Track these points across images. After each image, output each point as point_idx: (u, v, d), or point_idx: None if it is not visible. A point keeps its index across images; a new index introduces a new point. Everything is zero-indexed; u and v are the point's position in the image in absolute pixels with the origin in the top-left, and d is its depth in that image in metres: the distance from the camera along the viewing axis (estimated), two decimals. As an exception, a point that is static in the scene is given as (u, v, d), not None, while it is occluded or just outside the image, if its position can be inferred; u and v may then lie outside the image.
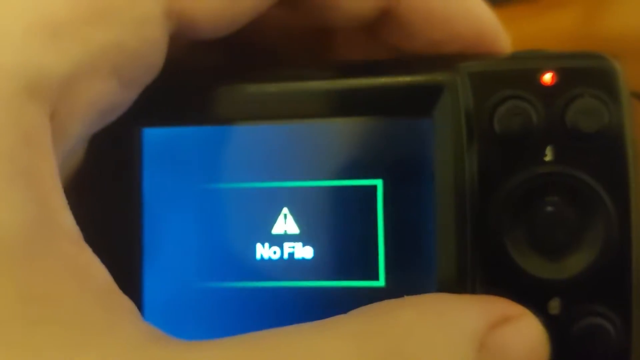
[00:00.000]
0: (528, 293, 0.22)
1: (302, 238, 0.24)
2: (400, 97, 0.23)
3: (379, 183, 0.24)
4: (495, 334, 0.19)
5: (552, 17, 0.39)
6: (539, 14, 0.40)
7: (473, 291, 0.23)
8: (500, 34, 0.25)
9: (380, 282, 0.23)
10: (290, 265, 0.24)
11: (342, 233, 0.24)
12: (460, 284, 0.23)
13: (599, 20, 0.37)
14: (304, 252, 0.24)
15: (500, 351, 0.19)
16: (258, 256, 0.24)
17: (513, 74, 0.23)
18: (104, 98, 0.20)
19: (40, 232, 0.17)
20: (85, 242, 0.18)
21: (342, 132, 0.24)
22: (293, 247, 0.24)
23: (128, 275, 0.23)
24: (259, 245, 0.24)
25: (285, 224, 0.24)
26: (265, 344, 0.17)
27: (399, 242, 0.23)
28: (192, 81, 0.24)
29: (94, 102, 0.19)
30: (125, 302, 0.18)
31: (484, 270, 0.23)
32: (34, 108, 0.18)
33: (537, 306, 0.22)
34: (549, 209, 0.23)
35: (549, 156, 0.23)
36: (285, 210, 0.24)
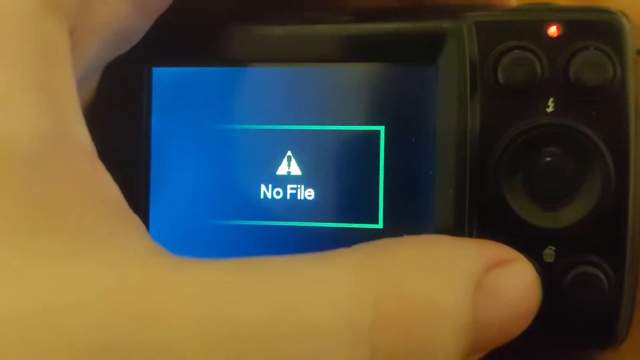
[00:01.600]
0: (524, 241, 0.23)
1: (305, 180, 0.24)
2: (406, 44, 0.24)
3: (381, 129, 0.24)
4: (491, 276, 0.20)
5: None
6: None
7: (470, 237, 0.23)
8: None
9: (379, 225, 0.24)
10: (293, 206, 0.24)
11: (344, 176, 0.24)
12: (457, 230, 0.23)
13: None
14: (307, 193, 0.24)
15: (495, 292, 0.20)
16: (262, 196, 0.24)
17: (519, 24, 0.23)
18: (119, 20, 0.20)
19: (54, 143, 0.17)
20: (98, 158, 0.19)
21: (347, 77, 0.24)
22: (295, 189, 0.24)
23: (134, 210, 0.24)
24: (262, 186, 0.24)
25: (289, 166, 0.24)
26: (263, 267, 0.17)
27: (398, 187, 0.24)
28: (201, 22, 0.25)
29: (110, 23, 0.20)
30: (133, 219, 0.18)
31: (481, 217, 0.23)
32: (53, 22, 0.18)
33: (532, 254, 0.23)
34: (548, 159, 0.23)
35: (550, 107, 0.23)
36: (289, 152, 0.24)
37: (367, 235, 0.23)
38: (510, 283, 0.20)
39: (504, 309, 0.20)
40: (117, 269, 0.16)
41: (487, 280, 0.20)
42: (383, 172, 0.24)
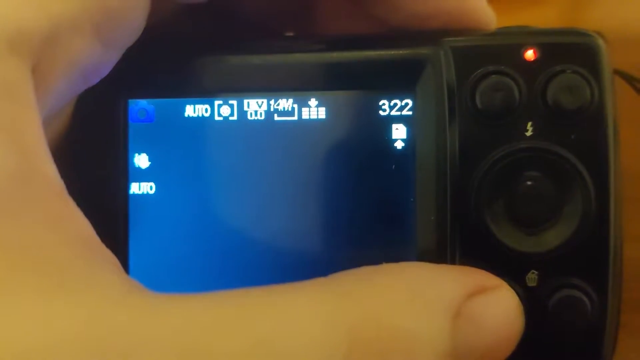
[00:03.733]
0: (506, 266, 0.23)
1: (285, 208, 0.24)
2: (383, 72, 0.24)
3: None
4: (472, 303, 0.20)
5: (537, 10, 0.40)
6: (523, 7, 0.40)
7: (452, 263, 0.23)
8: (485, 11, 0.25)
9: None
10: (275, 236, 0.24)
11: (323, 203, 0.24)
12: (439, 256, 0.23)
13: (583, 13, 0.37)
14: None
15: (475, 320, 0.19)
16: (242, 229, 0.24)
17: (496, 49, 0.23)
18: (85, 56, 0.20)
19: (22, 182, 0.17)
20: (68, 195, 0.18)
21: (326, 105, 0.24)
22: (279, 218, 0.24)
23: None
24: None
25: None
26: (240, 300, 0.17)
27: (379, 214, 0.24)
28: (176, 53, 0.25)
29: (75, 60, 0.20)
30: (107, 255, 0.18)
31: (463, 243, 0.23)
32: (15, 61, 0.18)
33: (515, 278, 0.23)
34: (529, 183, 0.23)
35: (529, 131, 0.23)
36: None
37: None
38: (492, 310, 0.20)
39: (485, 336, 0.20)
40: (92, 307, 0.16)
41: (468, 307, 0.19)
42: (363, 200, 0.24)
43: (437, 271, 0.21)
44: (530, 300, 0.22)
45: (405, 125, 0.24)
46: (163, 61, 0.24)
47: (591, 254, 0.23)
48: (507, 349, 0.20)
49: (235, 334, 0.16)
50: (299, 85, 0.24)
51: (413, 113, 0.23)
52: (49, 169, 0.18)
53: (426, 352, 0.18)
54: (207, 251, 0.24)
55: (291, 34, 0.27)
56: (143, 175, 0.25)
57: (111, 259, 0.18)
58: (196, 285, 0.24)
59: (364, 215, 0.24)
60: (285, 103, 0.24)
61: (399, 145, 0.24)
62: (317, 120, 0.24)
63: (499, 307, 0.20)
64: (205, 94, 0.24)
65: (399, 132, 0.24)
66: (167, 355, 0.16)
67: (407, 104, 0.24)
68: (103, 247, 0.18)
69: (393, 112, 0.24)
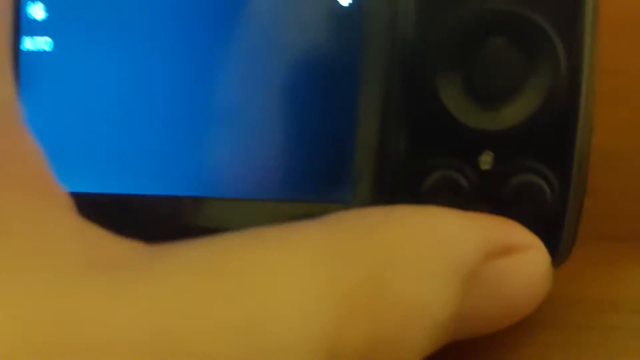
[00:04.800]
0: (458, 144, 0.20)
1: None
2: None
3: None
4: (492, 266, 0.17)
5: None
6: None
7: (398, 139, 0.20)
8: None
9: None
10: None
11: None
12: (382, 131, 0.20)
13: None
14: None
15: (492, 284, 0.17)
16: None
17: None
18: None
19: None
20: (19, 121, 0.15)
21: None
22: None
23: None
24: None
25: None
26: (214, 271, 0.15)
27: (317, 80, 0.20)
28: None
29: None
30: (59, 198, 0.15)
31: (411, 117, 0.20)
32: None
33: (468, 160, 0.20)
34: (490, 51, 0.20)
35: (496, -11, 0.20)
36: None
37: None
38: (514, 277, 0.18)
39: (500, 303, 0.18)
40: (34, 300, 0.13)
41: (487, 270, 0.17)
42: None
43: (456, 223, 0.18)
44: (483, 185, 0.20)
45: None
46: None
47: (555, 135, 0.20)
48: (522, 315, 0.18)
49: (208, 319, 0.14)
50: None
51: None
52: None
53: (424, 321, 0.16)
54: (113, 118, 0.21)
55: None
56: (38, 29, 0.21)
57: (64, 202, 0.15)
58: (100, 157, 0.21)
59: (298, 78, 0.20)
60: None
61: (345, 2, 0.20)
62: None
63: (524, 274, 0.18)
64: None
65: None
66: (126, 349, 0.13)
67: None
68: (54, 184, 0.15)
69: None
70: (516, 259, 0.18)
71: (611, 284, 0.26)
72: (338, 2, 0.20)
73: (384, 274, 0.16)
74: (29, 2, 0.21)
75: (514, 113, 0.20)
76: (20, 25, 0.21)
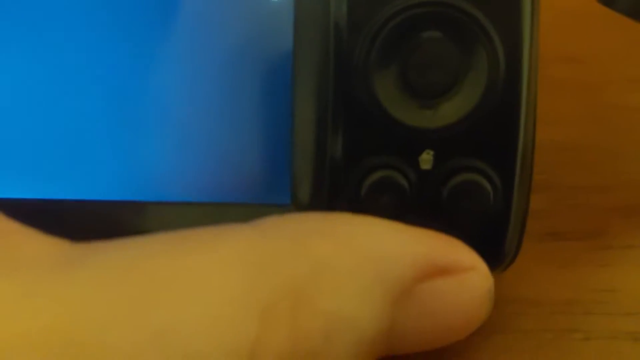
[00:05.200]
0: (397, 144, 0.19)
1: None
2: None
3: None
4: (429, 285, 0.16)
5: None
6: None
7: (334, 139, 0.19)
8: None
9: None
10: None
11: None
12: (318, 130, 0.19)
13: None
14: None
15: (426, 305, 0.16)
16: None
17: None
18: None
19: None
20: None
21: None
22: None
23: None
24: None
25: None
26: (138, 275, 0.14)
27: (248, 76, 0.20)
28: None
29: None
30: None
31: (347, 116, 0.19)
32: None
33: (407, 160, 0.19)
34: (427, 45, 0.19)
35: (431, -18, 0.19)
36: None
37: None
38: (451, 299, 0.17)
39: (435, 324, 0.17)
40: None
41: (422, 290, 0.16)
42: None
43: (392, 238, 0.17)
44: (423, 185, 0.19)
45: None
46: None
47: (497, 132, 0.19)
48: (459, 337, 0.17)
49: (127, 327, 0.14)
50: None
51: None
52: None
53: (348, 336, 0.15)
54: (40, 121, 0.20)
55: None
56: None
57: None
58: (25, 162, 0.20)
59: (230, 78, 0.20)
60: None
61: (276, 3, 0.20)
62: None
63: (461, 296, 0.17)
64: None
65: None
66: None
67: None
68: None
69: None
70: (454, 280, 0.17)
71: (565, 285, 0.25)
72: (269, -3, 0.20)
73: (308, 285, 0.15)
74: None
75: (452, 110, 0.19)
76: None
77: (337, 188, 0.19)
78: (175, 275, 0.14)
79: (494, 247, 0.19)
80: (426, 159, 0.19)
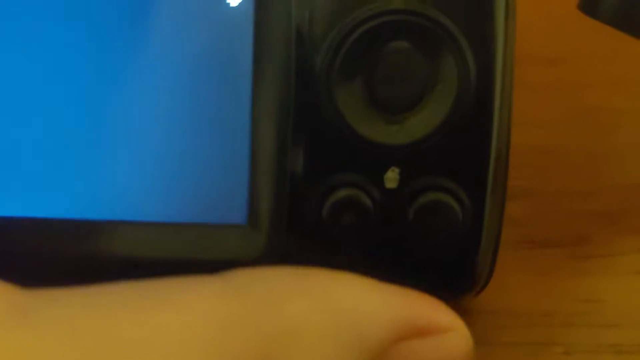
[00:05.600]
0: (361, 161, 0.18)
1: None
2: None
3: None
4: (406, 346, 0.16)
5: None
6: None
7: (295, 157, 0.18)
8: None
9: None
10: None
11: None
12: (278, 146, 0.18)
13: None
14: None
15: None
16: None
17: None
18: None
19: None
20: None
21: None
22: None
23: None
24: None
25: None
26: (95, 318, 0.14)
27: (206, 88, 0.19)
28: None
29: None
30: None
31: (309, 132, 0.18)
32: None
33: (371, 178, 0.18)
34: (393, 56, 0.18)
35: (399, -11, 0.18)
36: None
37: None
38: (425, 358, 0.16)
39: None
40: None
41: (398, 351, 0.15)
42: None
43: (365, 297, 0.16)
44: (389, 205, 0.18)
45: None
46: None
47: (467, 149, 0.18)
48: None
49: None
50: None
51: None
52: None
53: None
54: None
55: None
56: None
57: None
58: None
59: (187, 91, 0.19)
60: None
61: (234, 1, 0.18)
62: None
63: (438, 357, 0.16)
64: None
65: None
66: None
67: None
68: None
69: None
70: (432, 341, 0.16)
71: (544, 295, 0.25)
72: (228, 3, 0.18)
73: (280, 346, 0.14)
74: None
75: (420, 125, 0.18)
76: None
77: (297, 207, 0.18)
78: (136, 332, 0.14)
79: (465, 271, 0.18)
80: (391, 177, 0.18)
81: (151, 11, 0.19)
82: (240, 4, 0.18)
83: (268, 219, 0.18)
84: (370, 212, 0.18)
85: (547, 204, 0.26)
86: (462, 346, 0.16)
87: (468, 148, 0.18)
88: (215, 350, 0.14)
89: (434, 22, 0.18)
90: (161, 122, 0.19)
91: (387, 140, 0.18)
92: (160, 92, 0.19)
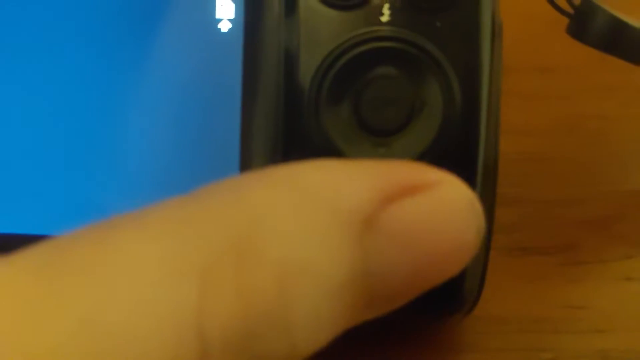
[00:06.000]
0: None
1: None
2: None
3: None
4: (396, 209, 0.14)
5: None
6: None
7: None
8: None
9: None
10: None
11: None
12: (267, 162, 0.19)
13: None
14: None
15: (399, 231, 0.14)
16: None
17: None
18: None
19: None
20: None
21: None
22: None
23: None
24: None
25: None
26: (62, 262, 0.13)
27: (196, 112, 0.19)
28: None
29: None
30: None
31: (296, 152, 0.18)
32: None
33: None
34: (381, 82, 0.18)
35: (386, 16, 0.18)
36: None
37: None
38: (424, 219, 0.14)
39: (414, 253, 0.14)
40: None
41: (388, 216, 0.14)
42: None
43: (337, 170, 0.14)
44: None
45: (234, 1, 0.19)
46: None
47: (453, 170, 0.18)
48: (454, 263, 0.15)
49: (49, 320, 0.12)
50: None
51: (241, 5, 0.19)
52: None
53: (308, 280, 0.13)
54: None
55: None
56: None
57: None
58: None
59: (177, 112, 0.19)
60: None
61: (224, 27, 0.19)
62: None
63: (436, 212, 0.14)
64: None
65: (224, 10, 0.19)
66: None
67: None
68: None
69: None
70: (423, 197, 0.14)
71: (534, 302, 0.25)
72: (219, 28, 0.19)
73: (251, 235, 0.13)
74: None
75: (406, 148, 0.18)
76: None
77: None
78: (99, 257, 0.13)
79: (452, 292, 0.19)
80: (379, 199, 0.18)
81: (143, 36, 0.19)
82: (230, 29, 0.19)
83: None
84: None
85: (537, 211, 0.27)
86: (460, 195, 0.15)
87: (454, 171, 0.18)
88: (183, 251, 0.13)
89: (419, 49, 0.18)
90: (151, 143, 0.19)
91: (374, 163, 0.18)
92: (151, 113, 0.19)
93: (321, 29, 0.18)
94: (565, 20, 0.22)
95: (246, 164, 0.19)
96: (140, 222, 0.13)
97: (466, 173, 0.18)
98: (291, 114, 0.18)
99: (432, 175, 0.14)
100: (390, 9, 0.18)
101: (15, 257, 0.13)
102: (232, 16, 0.19)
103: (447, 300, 0.19)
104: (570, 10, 0.22)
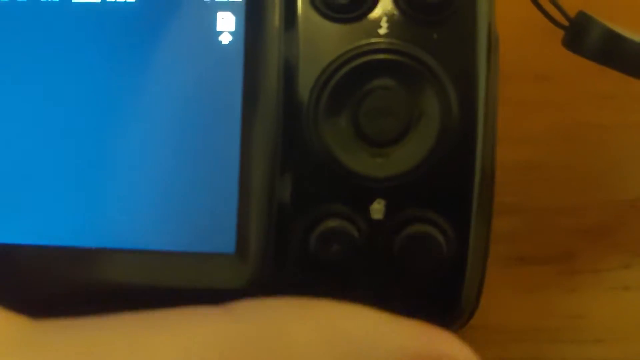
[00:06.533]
0: (348, 193, 0.18)
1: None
2: None
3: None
4: None
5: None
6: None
7: (283, 188, 0.19)
8: None
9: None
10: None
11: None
12: (265, 178, 0.19)
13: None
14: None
15: None
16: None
17: None
18: None
19: None
20: None
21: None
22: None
23: None
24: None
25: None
26: (104, 340, 0.13)
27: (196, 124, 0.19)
28: None
29: None
30: None
31: (296, 164, 0.19)
32: None
33: (358, 209, 0.19)
34: (378, 93, 0.18)
35: (383, 28, 0.18)
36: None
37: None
38: None
39: None
40: None
41: None
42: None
43: (371, 325, 0.15)
44: (374, 236, 0.18)
45: (235, 14, 0.19)
46: None
47: (451, 181, 0.19)
48: None
49: None
50: None
51: (242, 17, 0.19)
52: None
53: None
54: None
55: None
56: None
57: None
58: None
59: (178, 123, 0.19)
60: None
61: (225, 39, 0.19)
62: (126, 4, 0.19)
63: None
64: None
65: (225, 23, 0.19)
66: None
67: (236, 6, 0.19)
68: None
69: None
70: None
71: (532, 311, 0.25)
72: (220, 41, 0.19)
73: None
74: None
75: (404, 158, 0.18)
76: None
77: (285, 237, 0.19)
78: (135, 357, 0.13)
79: (450, 302, 0.19)
80: (377, 209, 0.19)
81: (144, 48, 0.19)
82: (231, 42, 0.19)
83: (256, 249, 0.19)
84: (356, 242, 0.19)
85: (535, 220, 0.27)
86: None
87: (452, 181, 0.18)
88: None
89: (417, 61, 0.18)
90: (152, 154, 0.19)
91: (372, 173, 0.18)
92: (152, 124, 0.19)
93: (320, 41, 0.18)
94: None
95: (246, 175, 0.19)
96: (177, 330, 0.14)
97: (463, 182, 0.18)
98: (291, 125, 0.18)
99: (456, 350, 0.15)
100: (388, 21, 0.18)
101: None
102: (233, 29, 0.19)
103: (445, 310, 0.19)
104: (565, 23, 0.22)
